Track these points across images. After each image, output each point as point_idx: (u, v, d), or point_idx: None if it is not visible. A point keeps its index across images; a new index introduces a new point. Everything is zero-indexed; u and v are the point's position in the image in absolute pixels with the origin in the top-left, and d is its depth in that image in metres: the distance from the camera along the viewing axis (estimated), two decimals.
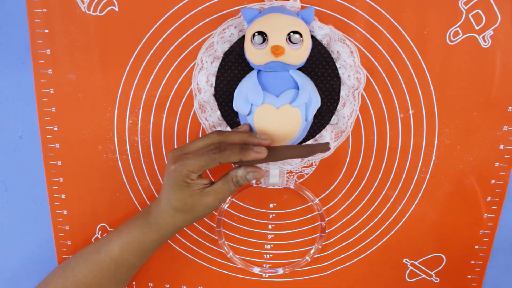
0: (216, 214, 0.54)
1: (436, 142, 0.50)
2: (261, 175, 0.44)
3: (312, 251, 0.54)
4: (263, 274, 0.56)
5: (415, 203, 0.52)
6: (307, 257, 0.55)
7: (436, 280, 0.55)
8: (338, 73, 0.47)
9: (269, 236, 0.54)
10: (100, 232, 0.55)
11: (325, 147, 0.44)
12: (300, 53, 0.44)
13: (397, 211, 0.53)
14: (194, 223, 0.54)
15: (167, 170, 0.44)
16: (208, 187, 0.44)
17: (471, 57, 0.47)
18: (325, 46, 0.47)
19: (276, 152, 0.43)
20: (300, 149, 0.44)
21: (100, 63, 0.49)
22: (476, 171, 0.51)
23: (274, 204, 0.53)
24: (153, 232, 0.47)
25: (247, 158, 0.42)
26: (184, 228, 0.54)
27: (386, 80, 0.49)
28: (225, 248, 0.55)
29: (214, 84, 0.48)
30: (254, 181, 0.52)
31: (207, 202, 0.44)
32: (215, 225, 0.54)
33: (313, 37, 0.46)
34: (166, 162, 0.51)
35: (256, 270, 0.55)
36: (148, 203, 0.54)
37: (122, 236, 0.48)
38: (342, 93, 0.48)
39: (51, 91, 0.50)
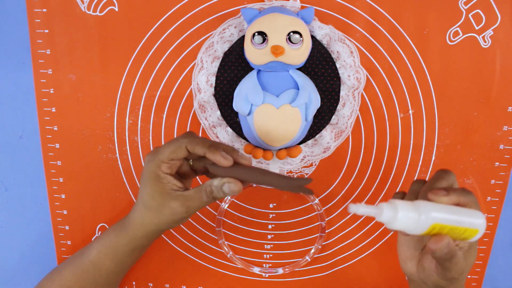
0: (216, 214, 0.54)
1: (436, 142, 0.50)
2: (238, 189, 0.39)
3: (312, 251, 0.54)
4: (263, 274, 0.56)
5: None
6: (307, 257, 0.55)
7: None
8: (338, 73, 0.47)
9: (269, 236, 0.54)
10: (100, 232, 0.55)
11: (308, 192, 0.38)
12: (300, 53, 0.44)
13: None
14: (193, 222, 0.54)
15: (143, 166, 0.42)
16: (180, 191, 0.41)
17: (471, 57, 0.47)
18: (325, 46, 0.47)
19: (253, 174, 0.39)
20: (280, 180, 0.38)
21: (100, 63, 0.49)
22: (476, 171, 0.51)
23: (274, 204, 0.53)
24: (125, 235, 0.45)
25: (211, 156, 0.39)
26: (184, 228, 0.54)
27: (386, 80, 0.48)
28: (225, 248, 0.55)
29: (214, 84, 0.48)
30: None
31: (174, 206, 0.41)
32: (215, 225, 0.54)
33: (313, 37, 0.46)
34: None
35: (256, 270, 0.55)
36: None
37: (101, 238, 0.48)
38: (342, 93, 0.48)
39: (51, 91, 0.50)
